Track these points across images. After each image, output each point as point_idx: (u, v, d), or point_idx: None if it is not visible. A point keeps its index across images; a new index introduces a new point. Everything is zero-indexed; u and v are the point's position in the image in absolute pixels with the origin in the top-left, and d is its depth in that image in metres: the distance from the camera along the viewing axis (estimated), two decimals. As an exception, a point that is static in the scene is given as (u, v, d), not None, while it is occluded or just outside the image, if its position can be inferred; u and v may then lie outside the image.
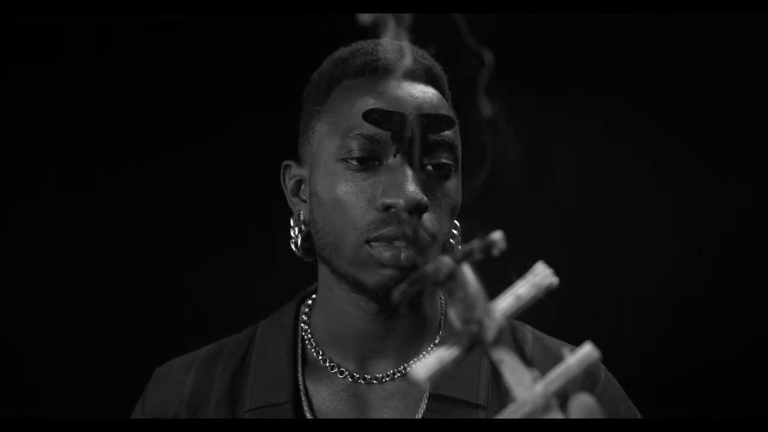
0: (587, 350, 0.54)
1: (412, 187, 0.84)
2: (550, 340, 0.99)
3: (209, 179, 1.69)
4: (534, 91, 1.69)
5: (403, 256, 0.85)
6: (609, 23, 1.65)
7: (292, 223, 0.96)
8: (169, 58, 1.66)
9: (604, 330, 1.07)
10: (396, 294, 0.54)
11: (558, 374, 0.53)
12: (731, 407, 1.67)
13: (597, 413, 0.53)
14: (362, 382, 0.92)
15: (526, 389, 0.53)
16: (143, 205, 1.67)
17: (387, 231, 0.85)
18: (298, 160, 0.96)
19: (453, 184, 0.90)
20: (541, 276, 0.54)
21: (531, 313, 0.57)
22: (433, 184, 0.88)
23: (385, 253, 0.85)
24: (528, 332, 0.99)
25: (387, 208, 0.85)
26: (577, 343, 0.58)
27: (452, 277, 0.53)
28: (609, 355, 0.94)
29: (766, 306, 1.71)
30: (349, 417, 0.91)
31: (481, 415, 0.88)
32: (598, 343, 0.54)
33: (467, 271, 0.53)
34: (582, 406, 0.53)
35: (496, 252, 0.53)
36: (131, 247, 1.68)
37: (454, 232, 0.97)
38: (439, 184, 0.89)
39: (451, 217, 0.90)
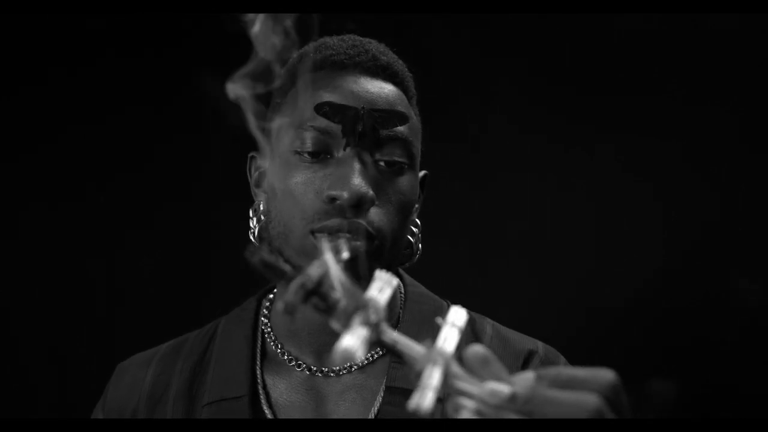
0: (455, 310, 0.61)
1: (357, 180, 0.85)
2: (512, 334, 0.99)
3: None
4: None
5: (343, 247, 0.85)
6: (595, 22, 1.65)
7: (251, 214, 0.96)
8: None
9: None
10: (280, 306, 0.57)
11: (444, 337, 0.59)
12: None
13: (492, 361, 0.57)
14: (320, 375, 0.92)
15: (423, 356, 0.57)
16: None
17: (330, 222, 0.85)
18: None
19: (406, 181, 0.90)
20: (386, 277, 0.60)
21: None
22: (385, 179, 0.88)
23: (327, 244, 0.85)
24: (487, 325, 0.99)
25: (332, 200, 0.86)
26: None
27: (322, 284, 0.57)
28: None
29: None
30: (307, 409, 0.91)
31: (438, 406, 0.87)
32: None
33: (335, 275, 0.57)
34: (473, 354, 0.58)
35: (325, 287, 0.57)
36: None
37: (414, 229, 0.97)
38: (390, 180, 0.89)
39: (403, 213, 0.90)
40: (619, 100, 1.73)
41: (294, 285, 0.56)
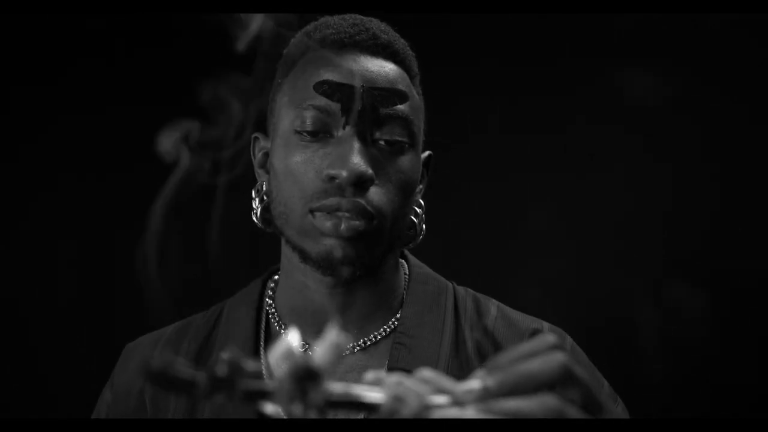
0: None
1: (356, 159, 0.84)
2: (517, 314, 0.98)
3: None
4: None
5: (343, 226, 0.85)
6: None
7: (253, 194, 0.96)
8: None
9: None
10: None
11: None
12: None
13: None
14: None
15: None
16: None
17: (329, 201, 0.85)
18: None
19: (407, 161, 0.90)
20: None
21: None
22: (385, 158, 0.88)
23: (326, 222, 0.86)
24: (492, 305, 0.99)
25: (331, 179, 0.85)
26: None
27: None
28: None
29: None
30: None
31: None
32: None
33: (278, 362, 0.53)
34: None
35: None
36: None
37: (417, 210, 0.97)
38: (390, 160, 0.88)
39: (404, 193, 0.90)
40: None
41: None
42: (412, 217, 0.96)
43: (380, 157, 0.87)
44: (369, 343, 0.93)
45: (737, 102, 1.68)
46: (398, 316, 0.95)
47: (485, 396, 0.55)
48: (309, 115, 0.87)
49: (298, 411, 0.53)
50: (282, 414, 0.53)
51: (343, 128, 0.87)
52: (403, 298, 0.97)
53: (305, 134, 0.88)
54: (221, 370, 0.51)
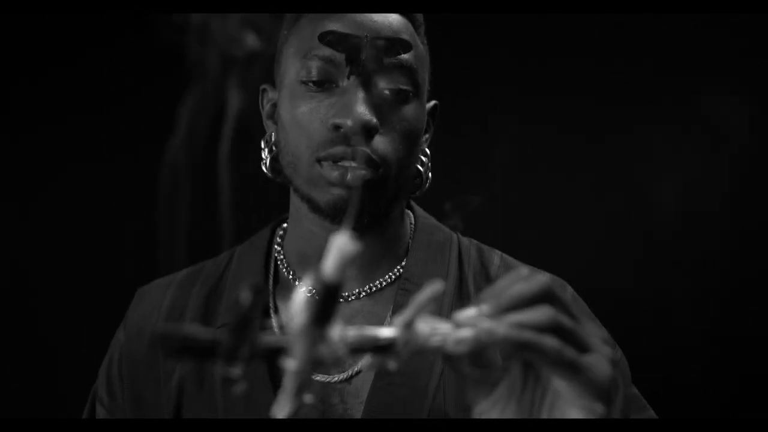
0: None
1: (361, 108, 0.86)
2: (520, 264, 1.00)
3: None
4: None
5: (349, 175, 0.87)
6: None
7: (262, 145, 0.98)
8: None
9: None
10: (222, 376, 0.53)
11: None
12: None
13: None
14: None
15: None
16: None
17: (334, 150, 0.87)
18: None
19: (412, 109, 0.91)
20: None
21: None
22: (389, 107, 0.89)
23: (332, 172, 0.88)
24: (495, 255, 1.01)
25: (336, 128, 0.87)
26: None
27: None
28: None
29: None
30: None
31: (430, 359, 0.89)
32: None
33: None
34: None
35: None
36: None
37: (423, 158, 0.99)
38: (395, 108, 0.90)
39: (409, 141, 0.91)
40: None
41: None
42: (418, 166, 0.98)
43: (385, 106, 0.89)
44: (375, 289, 0.96)
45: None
46: (403, 263, 0.97)
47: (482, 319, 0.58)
48: (314, 66, 0.89)
49: (318, 359, 0.54)
50: (302, 369, 0.54)
51: (348, 78, 0.88)
52: (408, 246, 0.99)
53: (311, 84, 0.89)
54: (245, 297, 0.52)
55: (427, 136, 1.00)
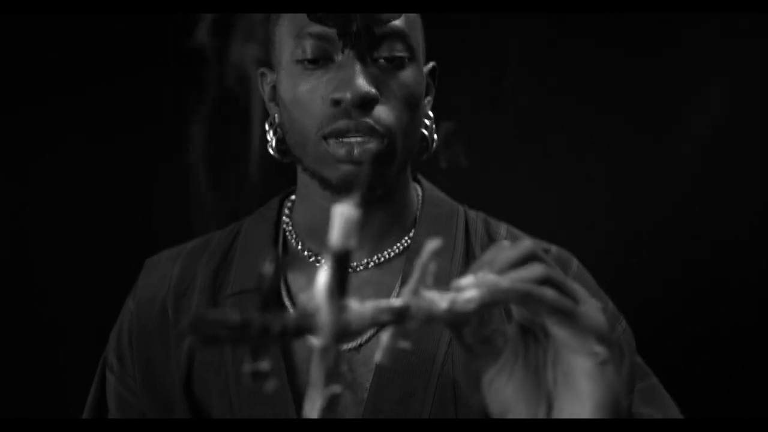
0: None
1: (359, 80, 0.87)
2: (525, 237, 1.02)
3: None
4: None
5: (356, 151, 0.88)
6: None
7: (267, 127, 0.99)
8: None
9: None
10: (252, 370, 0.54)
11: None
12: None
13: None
14: None
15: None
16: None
17: (338, 125, 0.88)
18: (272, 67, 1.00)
19: (410, 74, 0.91)
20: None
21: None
22: (387, 76, 0.90)
23: (339, 150, 0.88)
24: (502, 227, 1.02)
25: (336, 102, 0.88)
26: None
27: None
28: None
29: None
30: None
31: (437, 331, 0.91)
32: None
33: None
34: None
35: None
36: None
37: (427, 122, 0.99)
38: (393, 76, 0.90)
39: (410, 106, 0.92)
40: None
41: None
42: (423, 130, 0.98)
43: (382, 75, 0.90)
44: (383, 259, 0.97)
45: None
46: (411, 234, 0.99)
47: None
48: (308, 44, 0.89)
49: (343, 331, 0.55)
50: (329, 345, 0.55)
51: (342, 52, 0.89)
52: (416, 217, 1.01)
53: (307, 63, 0.90)
54: (268, 269, 0.54)
55: (429, 98, 1.00)
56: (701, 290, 1.70)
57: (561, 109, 1.69)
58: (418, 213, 1.01)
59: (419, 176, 1.06)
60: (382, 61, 0.90)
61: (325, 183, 0.92)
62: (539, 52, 1.67)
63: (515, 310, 0.66)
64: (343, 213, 0.54)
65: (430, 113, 1.00)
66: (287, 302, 0.95)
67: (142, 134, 1.60)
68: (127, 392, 1.00)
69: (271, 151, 0.98)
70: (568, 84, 1.69)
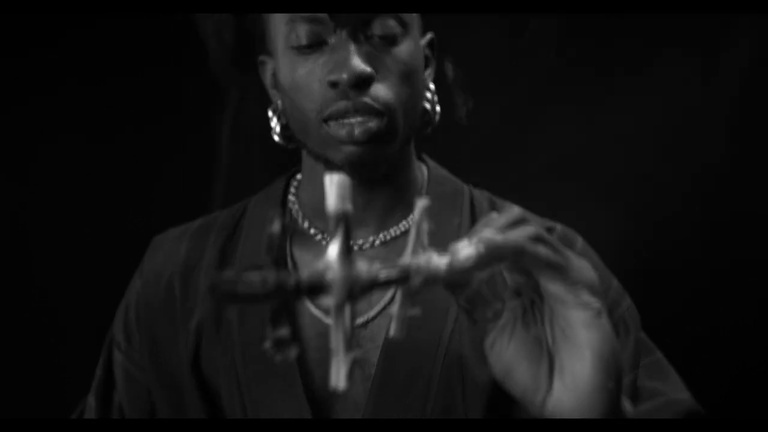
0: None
1: (353, 60, 0.87)
2: (532, 215, 1.01)
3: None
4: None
5: (356, 131, 0.88)
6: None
7: (270, 114, 0.99)
8: None
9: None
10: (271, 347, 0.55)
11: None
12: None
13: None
14: None
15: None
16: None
17: (336, 107, 0.89)
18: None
19: (405, 49, 0.92)
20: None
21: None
22: (382, 52, 0.90)
23: (340, 131, 0.89)
24: (507, 205, 1.03)
25: (333, 84, 0.89)
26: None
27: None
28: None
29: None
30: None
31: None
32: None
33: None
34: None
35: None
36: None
37: (428, 95, 1.00)
38: (388, 52, 0.90)
39: (408, 81, 0.92)
40: None
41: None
42: (425, 104, 0.99)
43: (377, 52, 0.90)
44: (389, 237, 0.98)
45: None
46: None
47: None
48: (301, 29, 0.90)
49: (354, 287, 0.57)
50: (341, 300, 0.57)
51: (335, 32, 0.89)
52: (420, 196, 1.00)
53: (302, 48, 0.91)
54: (276, 227, 0.56)
55: (429, 70, 1.00)
56: (701, 290, 1.69)
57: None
58: (423, 192, 1.01)
59: (424, 155, 1.06)
60: (375, 38, 0.90)
61: (330, 165, 0.92)
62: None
63: (509, 277, 0.68)
64: (333, 179, 0.57)
65: (432, 86, 1.00)
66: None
67: (143, 134, 1.60)
68: (134, 368, 1.01)
69: (276, 138, 0.99)
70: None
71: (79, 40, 1.59)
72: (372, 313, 0.93)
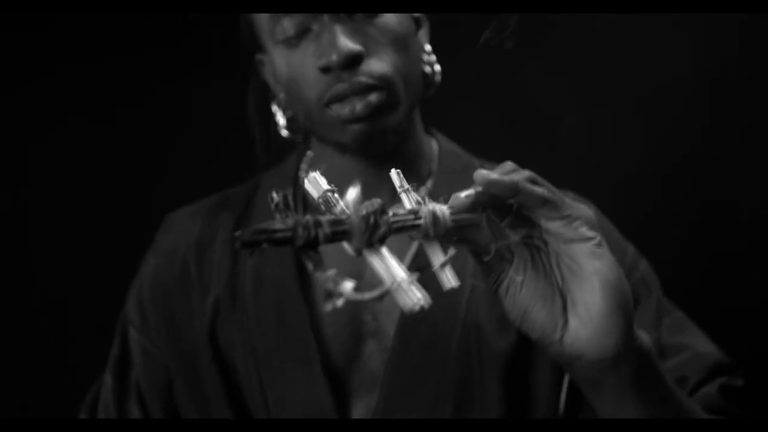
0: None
1: (340, 41, 0.88)
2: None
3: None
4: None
5: (358, 107, 0.89)
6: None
7: (275, 108, 1.01)
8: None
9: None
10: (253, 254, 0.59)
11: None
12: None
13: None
14: None
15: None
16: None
17: (334, 91, 0.90)
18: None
19: (390, 15, 0.92)
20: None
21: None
22: (368, 27, 0.91)
23: (342, 111, 0.90)
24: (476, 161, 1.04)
25: (326, 70, 0.89)
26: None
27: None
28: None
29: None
30: (344, 254, 0.95)
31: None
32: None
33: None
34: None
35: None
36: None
37: (424, 57, 0.99)
38: (374, 25, 0.91)
39: (402, 48, 0.92)
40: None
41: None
42: (423, 66, 0.98)
43: (363, 28, 0.90)
44: None
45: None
46: (428, 185, 1.00)
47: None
48: (284, 21, 0.91)
49: (370, 238, 0.61)
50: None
51: (317, 19, 0.90)
52: (431, 170, 1.02)
53: (289, 40, 0.92)
54: (278, 195, 0.61)
55: (422, 31, 1.00)
56: (701, 289, 1.69)
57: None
58: (434, 166, 1.02)
59: (433, 130, 1.06)
60: (359, 15, 0.90)
61: (341, 147, 0.93)
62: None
63: (511, 233, 0.69)
64: (349, 195, 0.64)
65: (427, 46, 1.00)
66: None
67: (144, 128, 1.60)
68: (150, 344, 1.01)
69: (283, 132, 1.00)
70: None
71: (73, 29, 1.58)
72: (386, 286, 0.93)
